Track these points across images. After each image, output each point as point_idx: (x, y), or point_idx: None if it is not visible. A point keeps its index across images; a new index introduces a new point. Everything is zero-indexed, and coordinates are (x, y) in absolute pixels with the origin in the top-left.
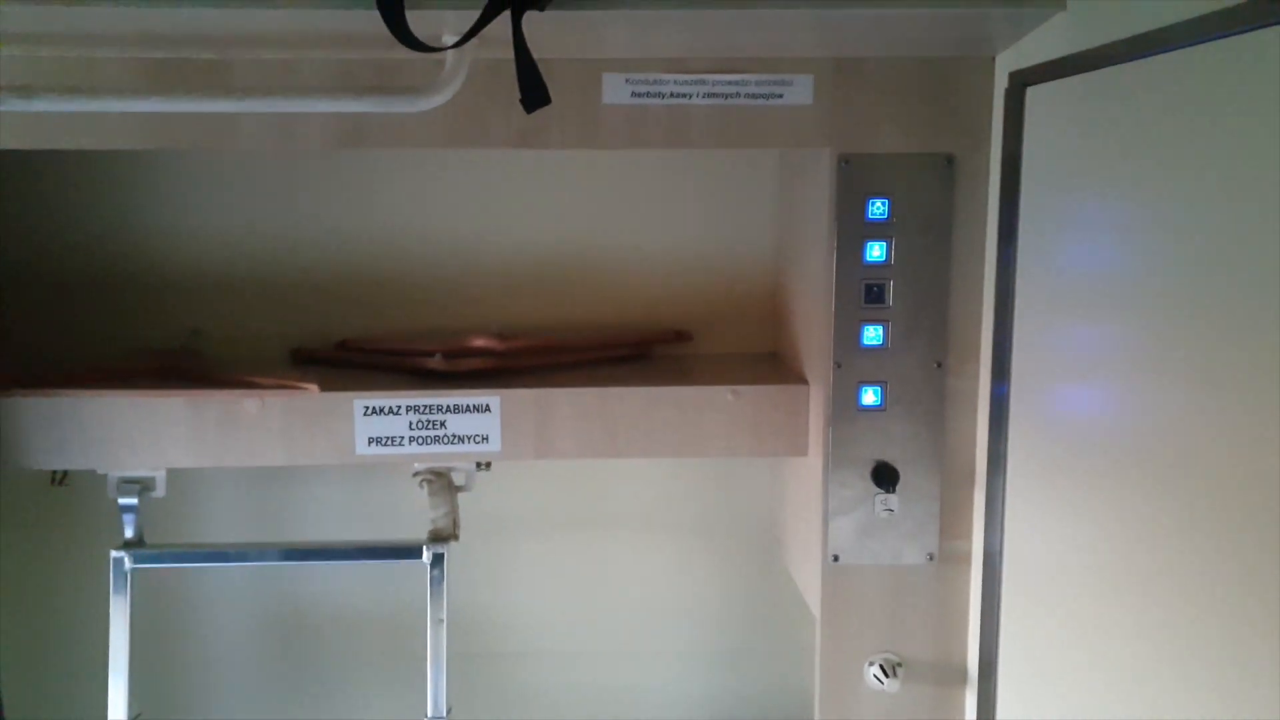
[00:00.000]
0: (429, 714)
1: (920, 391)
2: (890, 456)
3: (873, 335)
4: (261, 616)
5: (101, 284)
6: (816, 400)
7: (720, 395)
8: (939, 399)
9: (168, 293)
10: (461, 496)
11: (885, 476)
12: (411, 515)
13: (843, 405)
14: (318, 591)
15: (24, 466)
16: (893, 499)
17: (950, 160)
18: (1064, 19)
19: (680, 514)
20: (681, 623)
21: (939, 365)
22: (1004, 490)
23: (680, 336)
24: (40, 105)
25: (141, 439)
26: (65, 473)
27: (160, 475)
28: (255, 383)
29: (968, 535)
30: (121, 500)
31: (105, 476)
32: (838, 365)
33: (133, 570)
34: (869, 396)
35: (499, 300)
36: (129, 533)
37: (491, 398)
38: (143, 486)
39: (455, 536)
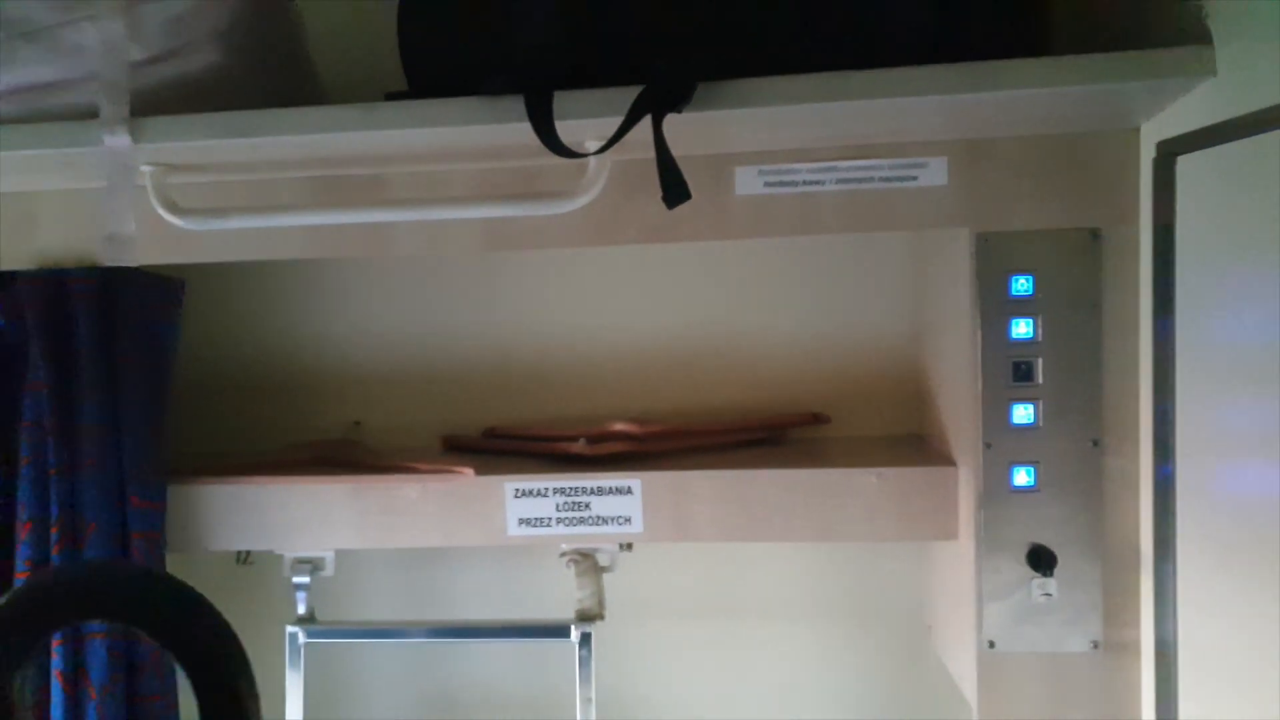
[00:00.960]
0: None
1: (1076, 471)
2: (1046, 539)
3: (1023, 414)
4: (415, 692)
5: (270, 383)
6: (965, 482)
7: (863, 478)
8: (1097, 479)
9: (330, 389)
10: (605, 577)
11: (1042, 560)
12: (552, 597)
13: (994, 486)
14: (468, 668)
15: (212, 549)
16: (1050, 583)
17: (1096, 234)
18: (1212, 85)
19: (824, 599)
20: (829, 710)
21: (1095, 444)
22: (1174, 576)
23: (818, 419)
24: (232, 223)
25: (312, 522)
26: (249, 553)
27: (329, 556)
28: (414, 468)
29: (1135, 623)
30: (295, 579)
31: (280, 557)
32: (987, 445)
33: (305, 644)
34: (1021, 477)
35: (637, 387)
36: (301, 609)
37: (633, 480)
38: (314, 566)
39: (601, 616)
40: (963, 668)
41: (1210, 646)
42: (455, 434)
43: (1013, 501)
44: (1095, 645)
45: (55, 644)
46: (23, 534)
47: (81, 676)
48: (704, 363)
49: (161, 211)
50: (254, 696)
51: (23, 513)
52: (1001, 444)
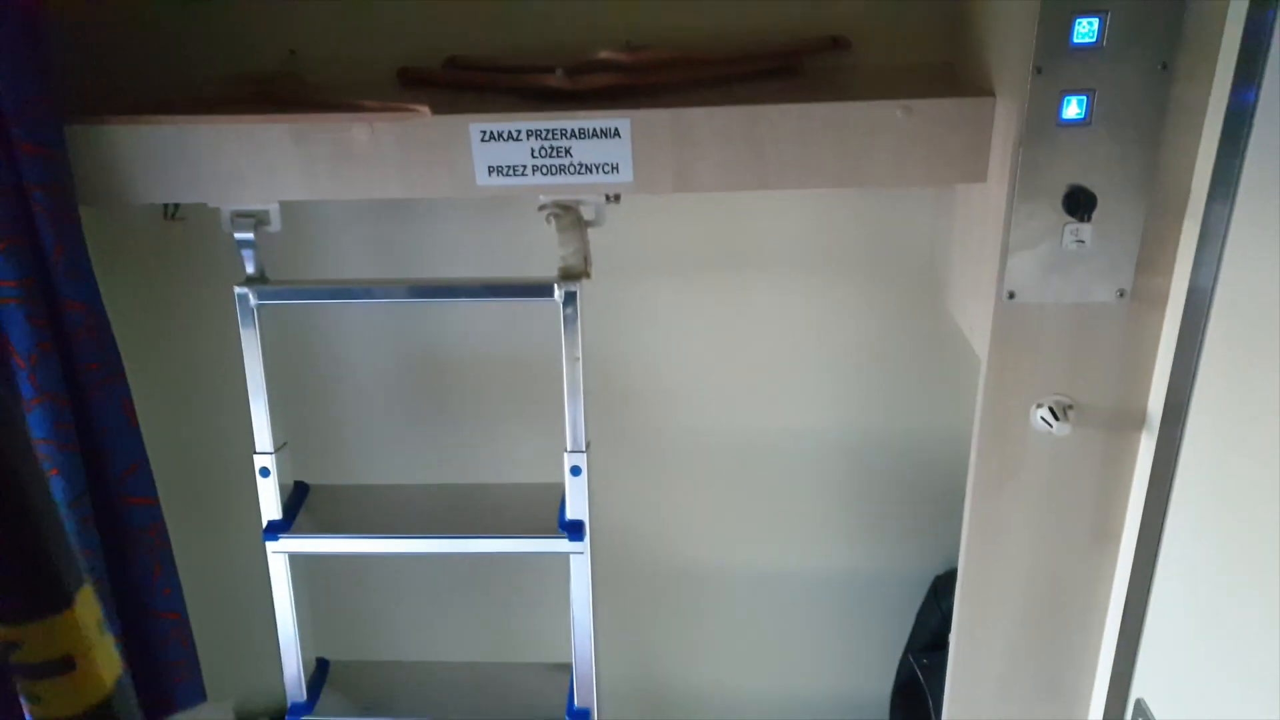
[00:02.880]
0: (568, 448)
1: (1137, 101)
2: (1089, 181)
3: (1085, 30)
4: (394, 356)
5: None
6: (1004, 116)
7: (888, 112)
8: (1158, 110)
9: (258, 11)
10: (592, 232)
11: (1080, 203)
12: (536, 257)
13: (1039, 120)
14: (448, 332)
15: (132, 201)
16: (1085, 229)
17: None
18: None
19: (829, 249)
20: (827, 364)
21: (1164, 67)
22: (1229, 218)
23: (837, 44)
24: None
25: (250, 171)
26: (178, 206)
27: (274, 209)
28: (361, 106)
29: (1168, 271)
30: (237, 235)
31: (217, 212)
32: (1038, 70)
33: (259, 306)
34: (1072, 109)
35: (625, 7)
36: (250, 269)
37: (620, 120)
38: (257, 220)
39: (587, 274)
40: (976, 320)
41: (1251, 295)
42: (412, 65)
43: (1058, 137)
44: (1121, 294)
45: None
46: None
47: (4, 345)
48: None
49: None
50: (20, 448)
51: None
52: (1055, 69)
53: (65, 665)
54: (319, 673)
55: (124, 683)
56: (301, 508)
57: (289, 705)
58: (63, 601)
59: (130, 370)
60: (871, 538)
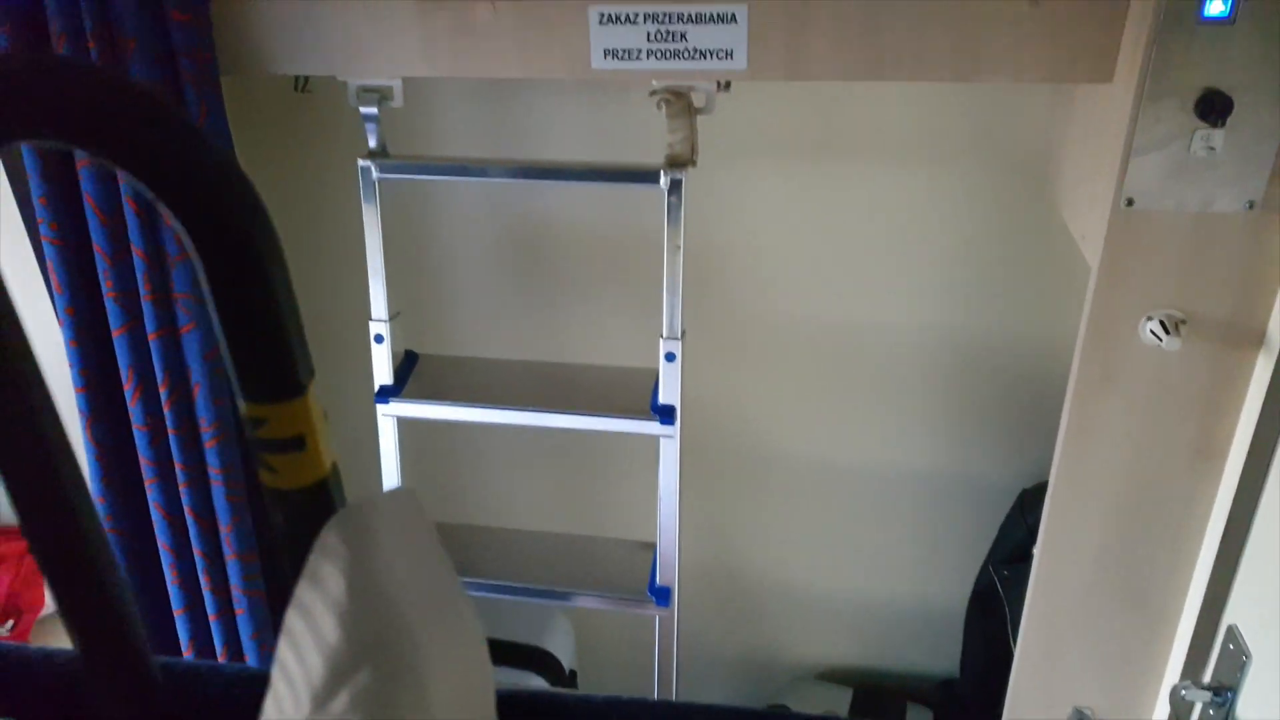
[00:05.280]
0: (664, 335)
1: None
2: (1226, 84)
3: None
4: (501, 234)
5: None
6: (1137, 11)
7: (1014, 4)
8: None
9: None
10: (700, 119)
11: (1215, 106)
12: (642, 139)
13: (1177, 16)
14: (554, 211)
15: (266, 69)
16: (1218, 135)
17: None
18: None
19: (940, 143)
20: (928, 260)
21: None
22: None
23: None
24: None
25: (376, 45)
26: (307, 79)
27: (397, 84)
28: None
29: None
30: (363, 109)
31: (345, 86)
32: None
33: (380, 180)
34: (1216, 4)
35: None
36: (373, 142)
37: (738, 6)
38: (381, 95)
39: (693, 162)
40: (1089, 227)
41: None
42: None
43: (1197, 35)
44: (1250, 206)
45: None
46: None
47: None
48: None
49: None
50: (274, 252)
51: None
52: None
53: (298, 444)
54: None
55: (337, 467)
56: (411, 375)
57: None
58: (298, 389)
59: None
60: (960, 443)
